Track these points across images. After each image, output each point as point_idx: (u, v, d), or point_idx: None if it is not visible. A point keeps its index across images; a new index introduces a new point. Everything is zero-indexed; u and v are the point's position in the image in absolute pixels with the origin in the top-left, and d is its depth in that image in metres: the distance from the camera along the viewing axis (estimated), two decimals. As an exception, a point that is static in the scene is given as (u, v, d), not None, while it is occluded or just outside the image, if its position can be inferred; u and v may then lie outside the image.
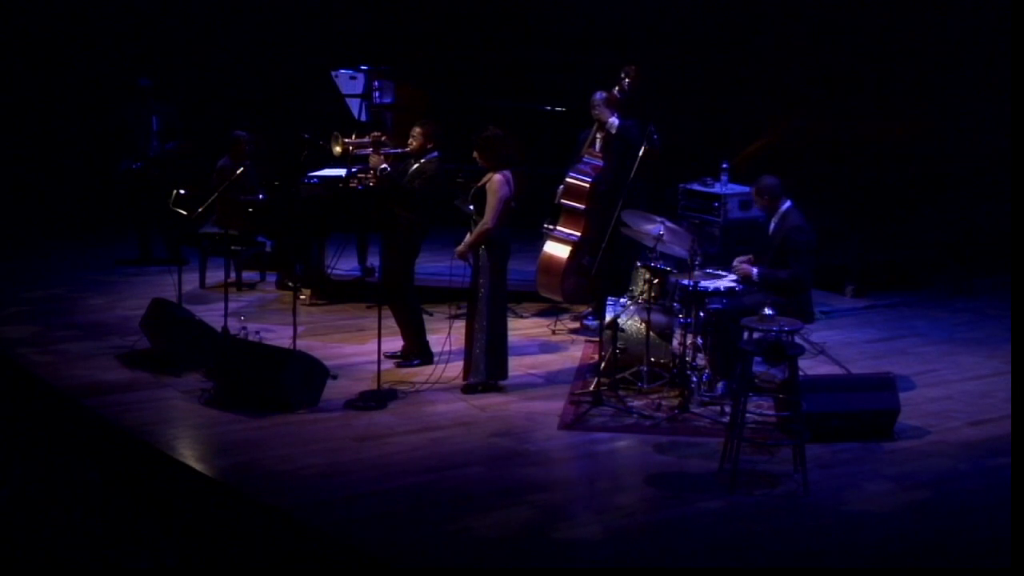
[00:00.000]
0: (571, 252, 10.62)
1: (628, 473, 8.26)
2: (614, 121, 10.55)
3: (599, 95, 10.63)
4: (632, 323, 9.43)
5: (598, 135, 10.69)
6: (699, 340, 9.20)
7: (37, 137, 14.67)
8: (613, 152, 10.54)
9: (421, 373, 9.57)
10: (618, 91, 10.61)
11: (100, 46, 14.76)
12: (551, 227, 10.81)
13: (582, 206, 10.61)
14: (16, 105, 14.62)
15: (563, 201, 10.70)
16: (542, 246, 10.84)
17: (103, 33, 14.78)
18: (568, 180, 10.65)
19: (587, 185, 10.58)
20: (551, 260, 10.70)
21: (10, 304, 11.33)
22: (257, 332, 9.73)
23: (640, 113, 10.68)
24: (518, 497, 7.63)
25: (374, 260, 11.72)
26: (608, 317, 9.40)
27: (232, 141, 11.61)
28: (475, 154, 9.26)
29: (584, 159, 10.69)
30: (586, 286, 10.60)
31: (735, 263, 9.20)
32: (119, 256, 12.84)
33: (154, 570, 7.53)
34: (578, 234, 10.65)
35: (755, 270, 9.00)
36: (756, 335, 7.95)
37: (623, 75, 10.68)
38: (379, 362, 9.19)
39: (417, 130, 9.67)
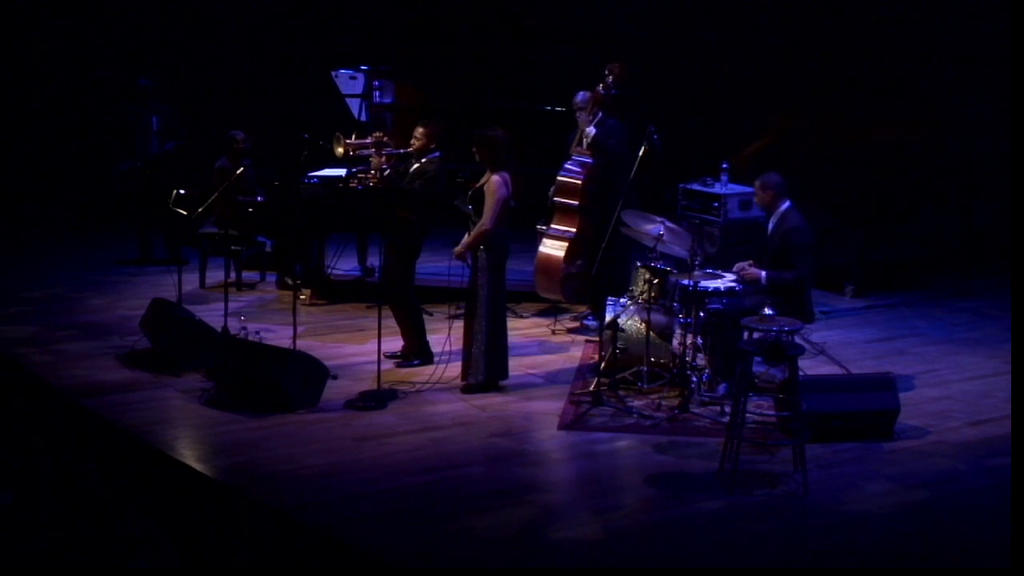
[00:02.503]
0: (568, 249, 10.63)
1: (628, 473, 8.26)
2: (591, 131, 10.61)
3: (580, 96, 10.68)
4: (632, 323, 9.42)
5: (583, 135, 10.76)
6: (699, 340, 9.19)
7: (37, 137, 14.66)
8: (597, 156, 10.61)
9: (421, 373, 9.57)
10: (602, 88, 10.62)
11: (100, 46, 14.75)
12: (545, 227, 10.83)
13: (575, 202, 10.64)
14: (16, 105, 14.62)
15: (556, 199, 10.73)
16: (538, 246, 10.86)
17: (103, 33, 14.78)
18: (560, 179, 10.70)
19: (579, 182, 10.62)
20: (549, 260, 10.70)
21: (10, 304, 11.32)
22: (257, 332, 9.72)
23: (627, 112, 10.72)
24: (518, 497, 7.63)
25: (374, 260, 11.72)
26: (608, 317, 9.40)
27: (228, 140, 11.60)
28: (474, 150, 9.26)
29: (573, 157, 10.74)
30: (584, 287, 10.62)
31: (736, 268, 9.18)
32: (119, 256, 12.83)
33: (154, 570, 7.53)
34: (573, 231, 10.67)
35: (763, 273, 8.99)
36: (756, 335, 7.95)
37: (607, 72, 10.68)
38: (379, 362, 9.19)
39: (420, 130, 9.68)
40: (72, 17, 14.73)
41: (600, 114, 10.65)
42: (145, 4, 14.93)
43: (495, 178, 9.16)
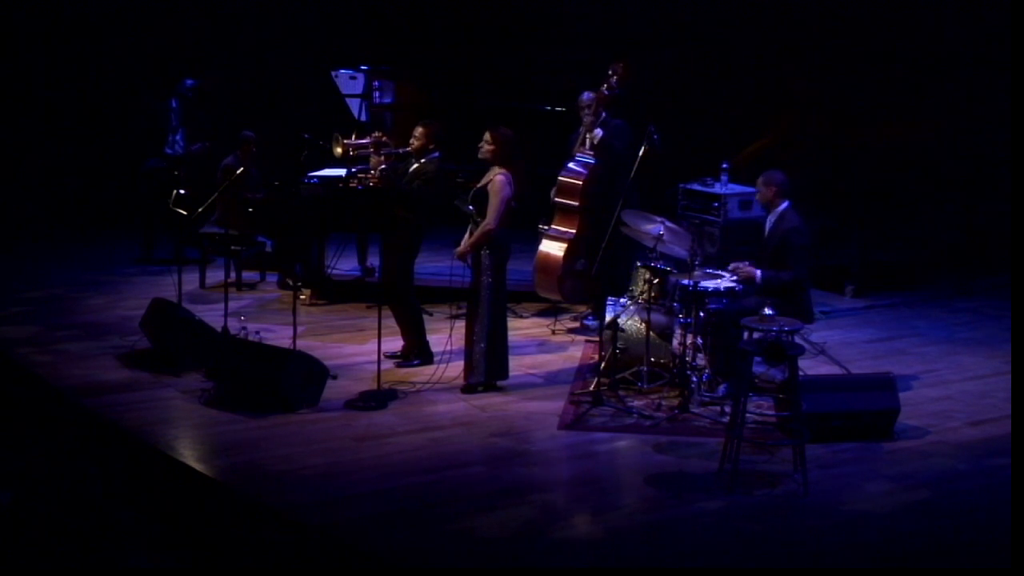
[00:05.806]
0: (567, 250, 10.64)
1: (628, 473, 8.26)
2: (598, 132, 10.61)
3: (586, 96, 10.68)
4: (632, 323, 9.43)
5: (588, 135, 10.74)
6: (699, 340, 9.19)
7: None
8: (601, 157, 10.61)
9: (421, 373, 9.57)
10: (606, 89, 10.62)
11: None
12: (546, 227, 10.84)
13: (576, 203, 10.65)
14: (19, 105, 14.61)
15: (557, 199, 10.73)
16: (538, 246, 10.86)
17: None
18: (561, 178, 10.70)
19: (580, 182, 10.63)
20: (548, 259, 10.71)
21: (10, 304, 11.33)
22: (257, 332, 9.72)
23: (631, 113, 10.71)
24: (518, 497, 7.63)
25: (374, 260, 11.72)
26: (608, 317, 9.40)
27: (241, 141, 11.60)
28: (488, 137, 9.19)
29: (576, 156, 10.74)
30: (584, 286, 10.62)
31: (732, 267, 9.18)
32: (121, 256, 12.81)
33: (154, 570, 7.53)
34: (573, 231, 10.68)
35: (758, 272, 9.00)
36: (756, 335, 7.95)
37: (611, 72, 10.67)
38: (379, 362, 9.19)
39: (419, 130, 9.68)
40: (80, 15, 14.71)
41: (604, 115, 10.64)
42: (147, 4, 14.93)
43: (499, 177, 9.15)
